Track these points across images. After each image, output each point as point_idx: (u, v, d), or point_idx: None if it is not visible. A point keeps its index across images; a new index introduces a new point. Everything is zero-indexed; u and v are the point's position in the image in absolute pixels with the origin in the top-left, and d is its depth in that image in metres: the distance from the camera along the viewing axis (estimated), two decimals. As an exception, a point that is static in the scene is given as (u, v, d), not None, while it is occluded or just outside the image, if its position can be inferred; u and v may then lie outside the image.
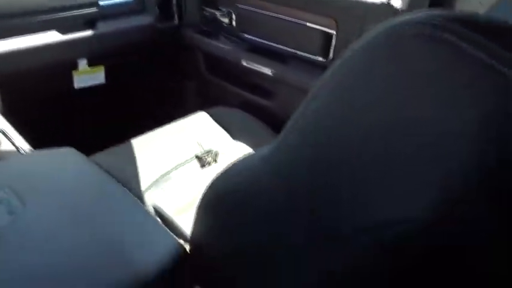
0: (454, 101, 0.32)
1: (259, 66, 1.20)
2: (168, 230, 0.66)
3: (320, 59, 1.07)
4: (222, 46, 1.29)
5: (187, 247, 0.62)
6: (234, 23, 1.27)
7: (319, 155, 0.42)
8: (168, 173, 0.92)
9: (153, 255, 0.59)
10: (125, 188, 0.72)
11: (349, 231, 0.40)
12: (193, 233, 0.60)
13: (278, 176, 0.46)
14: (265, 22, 1.17)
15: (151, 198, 0.86)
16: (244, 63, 1.23)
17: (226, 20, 1.28)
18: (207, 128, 1.07)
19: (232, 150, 1.00)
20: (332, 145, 0.40)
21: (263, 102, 1.26)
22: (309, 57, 1.09)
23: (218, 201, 0.54)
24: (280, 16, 1.12)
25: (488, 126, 0.31)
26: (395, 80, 0.34)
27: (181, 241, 0.66)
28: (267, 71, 1.18)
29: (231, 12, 1.26)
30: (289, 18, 1.10)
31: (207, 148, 0.99)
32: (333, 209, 0.41)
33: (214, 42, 1.32)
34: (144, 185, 0.88)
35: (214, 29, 1.34)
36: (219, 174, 0.53)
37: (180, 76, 1.52)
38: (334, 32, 1.02)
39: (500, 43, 0.31)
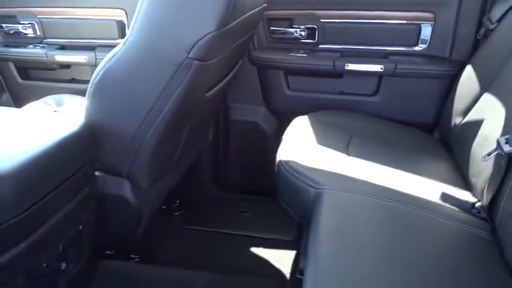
0: None
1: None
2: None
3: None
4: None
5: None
6: None
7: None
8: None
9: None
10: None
11: (185, 55, 0.74)
12: (90, 114, 0.81)
13: (138, 57, 0.76)
14: None
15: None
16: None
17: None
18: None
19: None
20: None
21: None
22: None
23: (106, 81, 0.78)
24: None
25: None
26: None
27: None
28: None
29: None
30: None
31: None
32: (173, 42, 0.74)
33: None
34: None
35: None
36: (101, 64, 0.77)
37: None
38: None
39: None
